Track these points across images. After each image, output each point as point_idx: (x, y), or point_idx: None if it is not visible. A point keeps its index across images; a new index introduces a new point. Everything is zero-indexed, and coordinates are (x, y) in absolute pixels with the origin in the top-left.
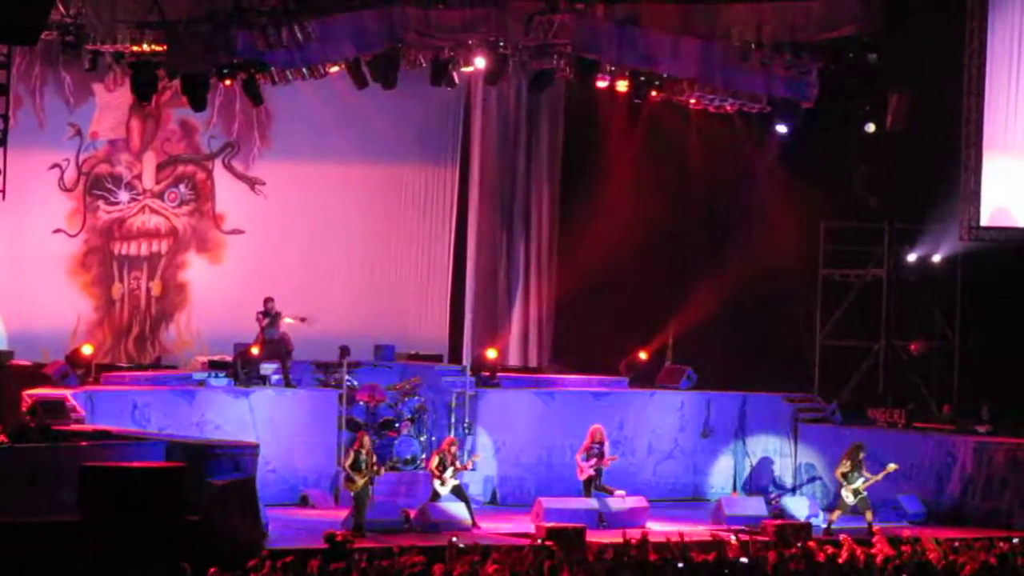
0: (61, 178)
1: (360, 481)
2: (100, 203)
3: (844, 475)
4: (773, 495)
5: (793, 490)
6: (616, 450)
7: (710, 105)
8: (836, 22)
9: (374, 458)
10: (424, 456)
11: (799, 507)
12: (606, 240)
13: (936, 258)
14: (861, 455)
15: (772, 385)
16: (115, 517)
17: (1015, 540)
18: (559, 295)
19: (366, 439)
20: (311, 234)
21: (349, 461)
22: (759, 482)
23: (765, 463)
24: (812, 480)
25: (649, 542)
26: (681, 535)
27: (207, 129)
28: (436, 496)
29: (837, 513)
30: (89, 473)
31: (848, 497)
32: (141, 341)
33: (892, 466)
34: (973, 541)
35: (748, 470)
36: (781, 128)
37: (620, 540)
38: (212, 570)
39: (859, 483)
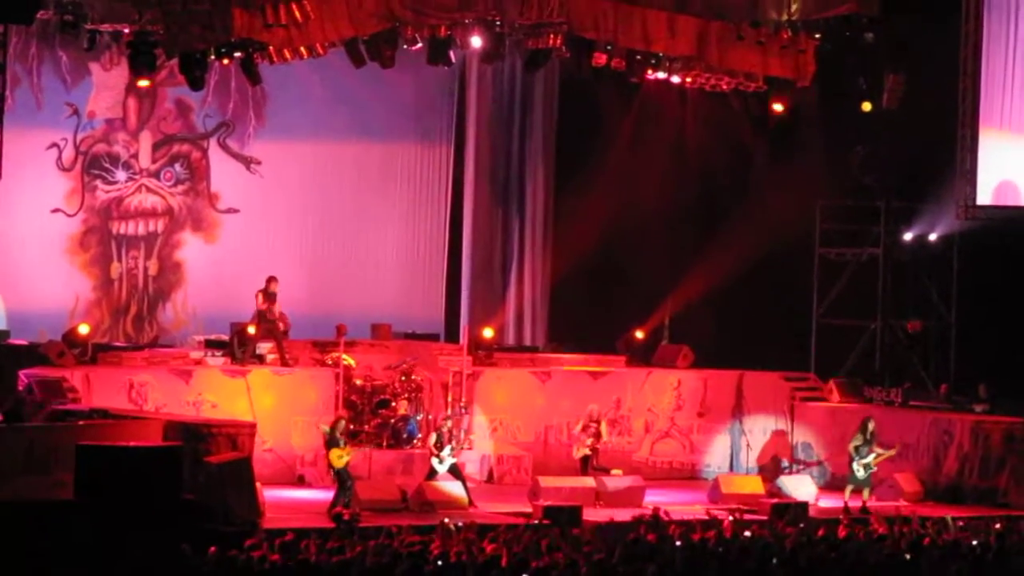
0: (59, 157)
1: (343, 459)
2: (98, 182)
3: (856, 448)
4: (784, 469)
5: (791, 467)
6: (613, 429)
7: (706, 84)
8: (833, 1)
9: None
10: (420, 436)
11: (796, 485)
12: (602, 219)
13: (932, 237)
14: (871, 427)
15: (769, 364)
16: (112, 496)
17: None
18: (555, 274)
19: (342, 423)
20: (306, 213)
21: (327, 434)
22: (764, 459)
23: (761, 440)
24: (809, 457)
25: (661, 520)
26: (667, 512)
27: (202, 108)
28: (433, 474)
29: (850, 489)
30: (85, 452)
31: (859, 472)
32: (139, 320)
33: (895, 449)
34: (970, 520)
35: (745, 449)
36: (777, 107)
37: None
38: (212, 550)
39: (870, 458)
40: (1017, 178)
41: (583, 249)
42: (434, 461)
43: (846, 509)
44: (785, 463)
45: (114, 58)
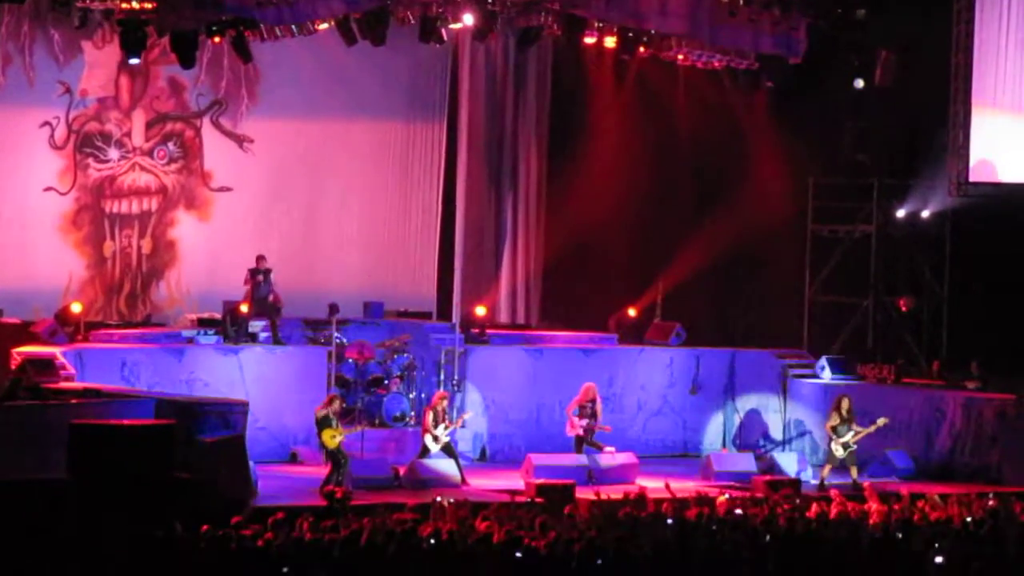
0: (51, 136)
1: (337, 439)
2: (90, 161)
3: (833, 428)
4: (763, 450)
5: (783, 445)
6: (606, 406)
7: (698, 61)
8: None
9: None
10: (413, 413)
11: (788, 463)
12: (594, 197)
13: (925, 214)
14: (845, 406)
15: (761, 341)
16: (104, 475)
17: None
18: (548, 252)
19: (336, 402)
20: (299, 191)
21: (320, 416)
22: (749, 437)
23: (754, 417)
24: (802, 435)
25: (647, 498)
26: (668, 486)
27: (195, 86)
28: (425, 452)
29: (828, 468)
30: (78, 431)
31: (838, 451)
32: (132, 299)
33: (882, 420)
34: (962, 496)
35: (737, 426)
36: (769, 84)
37: (609, 496)
38: (204, 528)
39: (848, 436)
40: (1008, 155)
41: (576, 227)
42: (427, 439)
43: (822, 484)
44: (762, 441)
45: (106, 36)
